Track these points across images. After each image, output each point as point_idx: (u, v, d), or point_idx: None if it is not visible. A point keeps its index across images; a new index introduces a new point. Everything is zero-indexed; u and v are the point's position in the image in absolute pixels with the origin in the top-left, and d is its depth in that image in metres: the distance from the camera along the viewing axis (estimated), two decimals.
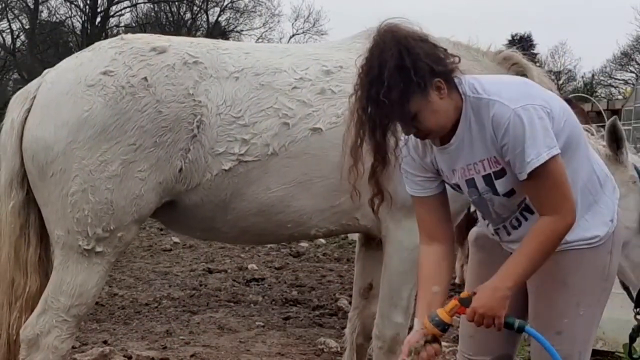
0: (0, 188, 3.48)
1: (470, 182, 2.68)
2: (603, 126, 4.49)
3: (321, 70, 3.59)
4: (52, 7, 40.69)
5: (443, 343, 5.54)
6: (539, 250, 2.55)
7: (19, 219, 3.44)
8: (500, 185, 2.63)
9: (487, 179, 2.63)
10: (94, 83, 3.29)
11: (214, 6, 42.12)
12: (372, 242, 4.00)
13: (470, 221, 7.86)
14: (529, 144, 2.44)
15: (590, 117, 11.76)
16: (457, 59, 2.54)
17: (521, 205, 2.70)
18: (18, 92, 3.54)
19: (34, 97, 3.41)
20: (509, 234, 2.79)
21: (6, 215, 3.45)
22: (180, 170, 3.34)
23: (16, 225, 3.44)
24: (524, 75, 3.92)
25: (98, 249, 3.32)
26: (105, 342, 5.64)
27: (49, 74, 3.48)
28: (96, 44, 3.56)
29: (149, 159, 3.28)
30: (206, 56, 3.46)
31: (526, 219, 2.71)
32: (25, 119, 3.39)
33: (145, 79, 3.31)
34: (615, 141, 3.87)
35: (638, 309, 4.06)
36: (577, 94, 30.31)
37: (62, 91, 3.32)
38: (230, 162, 3.40)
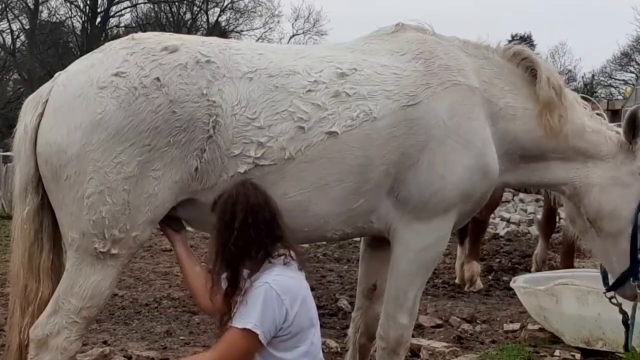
0: (15, 193, 3.47)
1: None
2: None
3: (335, 73, 3.54)
4: (52, 7, 40.71)
5: (443, 343, 5.58)
6: None
7: (34, 224, 3.42)
8: None
9: None
10: (105, 85, 3.24)
11: (214, 6, 42.12)
12: (377, 242, 3.99)
13: (471, 221, 7.88)
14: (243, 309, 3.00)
15: None
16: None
17: None
18: (30, 97, 3.50)
19: (46, 101, 3.37)
20: None
21: (21, 220, 3.43)
22: (196, 169, 3.31)
23: (30, 231, 3.42)
24: (533, 70, 3.90)
25: (113, 251, 3.29)
26: (105, 342, 5.65)
27: (60, 77, 3.43)
28: (107, 44, 3.51)
29: (163, 159, 3.25)
30: (218, 56, 3.41)
31: None
32: (39, 123, 3.35)
33: (158, 79, 3.26)
34: (632, 130, 3.97)
35: (609, 293, 4.18)
36: (577, 95, 30.27)
37: (74, 94, 3.28)
38: (246, 164, 3.35)
